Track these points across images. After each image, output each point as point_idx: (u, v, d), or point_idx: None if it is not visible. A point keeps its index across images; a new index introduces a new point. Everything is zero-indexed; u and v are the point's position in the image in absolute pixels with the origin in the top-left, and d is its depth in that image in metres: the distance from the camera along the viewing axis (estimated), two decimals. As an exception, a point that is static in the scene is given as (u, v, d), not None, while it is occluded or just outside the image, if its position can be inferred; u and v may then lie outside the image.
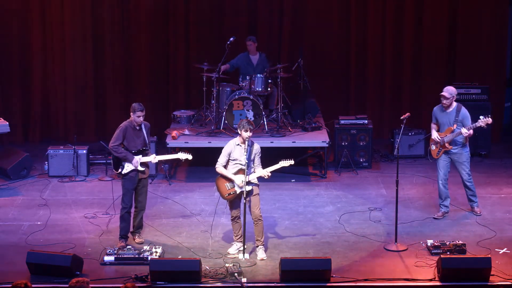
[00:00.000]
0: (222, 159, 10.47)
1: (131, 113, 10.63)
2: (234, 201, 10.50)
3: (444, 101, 11.40)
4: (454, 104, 11.47)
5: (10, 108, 15.47)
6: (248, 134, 10.30)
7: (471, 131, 11.35)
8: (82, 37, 15.41)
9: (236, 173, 10.40)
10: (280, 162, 10.44)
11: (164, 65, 15.71)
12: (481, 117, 11.33)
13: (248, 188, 10.31)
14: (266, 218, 11.26)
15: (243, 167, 10.29)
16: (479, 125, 11.33)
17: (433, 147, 11.54)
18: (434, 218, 11.65)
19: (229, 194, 10.43)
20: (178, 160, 11.05)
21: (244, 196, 10.25)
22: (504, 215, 11.91)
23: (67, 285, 7.89)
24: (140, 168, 10.66)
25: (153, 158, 10.75)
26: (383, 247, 10.75)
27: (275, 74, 14.22)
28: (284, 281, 9.73)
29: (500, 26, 15.54)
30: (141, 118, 10.64)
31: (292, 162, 10.46)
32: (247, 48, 14.61)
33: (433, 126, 11.64)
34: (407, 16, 15.49)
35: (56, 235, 11.14)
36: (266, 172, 10.37)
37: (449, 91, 11.42)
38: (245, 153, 10.30)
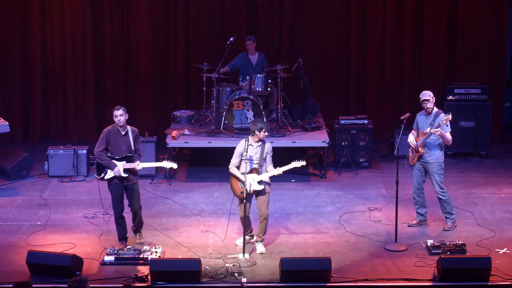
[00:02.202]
0: (234, 160, 10.52)
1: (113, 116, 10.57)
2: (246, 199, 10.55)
3: (428, 105, 10.99)
4: (435, 109, 11.06)
5: (10, 108, 15.48)
6: (266, 134, 10.39)
7: (440, 130, 10.71)
8: (82, 37, 15.42)
9: (248, 173, 10.43)
10: (292, 163, 10.48)
11: (164, 65, 15.71)
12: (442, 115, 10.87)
13: (260, 187, 10.37)
14: (266, 218, 11.28)
15: (256, 166, 10.37)
16: (442, 123, 10.74)
17: (410, 153, 11.19)
18: (409, 225, 11.39)
19: (242, 192, 10.47)
20: (174, 162, 10.93)
21: (245, 196, 10.26)
22: (504, 215, 11.91)
23: (67, 285, 7.88)
24: (123, 175, 10.58)
25: (137, 165, 10.55)
26: (383, 247, 10.74)
27: (275, 74, 14.22)
28: (284, 281, 9.73)
29: (500, 26, 15.54)
30: (118, 118, 10.43)
31: (304, 163, 10.50)
32: (246, 48, 14.61)
33: (412, 131, 11.21)
34: (407, 16, 15.49)
35: (56, 235, 11.14)
36: (278, 171, 10.41)
37: (427, 93, 11.00)
38: (246, 153, 10.33)
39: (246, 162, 10.38)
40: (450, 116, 10.75)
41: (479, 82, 14.89)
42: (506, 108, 16.04)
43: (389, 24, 15.53)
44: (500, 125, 15.79)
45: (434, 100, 11.07)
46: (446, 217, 11.31)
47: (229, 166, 10.54)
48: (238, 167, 10.50)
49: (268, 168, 10.49)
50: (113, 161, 10.48)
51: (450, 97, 14.71)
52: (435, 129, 10.77)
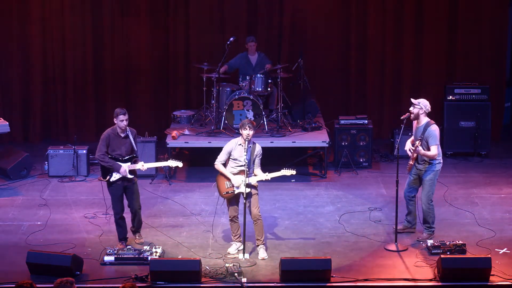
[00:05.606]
0: (221, 157, 10.50)
1: (114, 118, 10.50)
2: (232, 200, 10.52)
3: (411, 108, 10.77)
4: (426, 119, 10.77)
5: (10, 108, 15.47)
6: (247, 132, 10.29)
7: (419, 149, 10.56)
8: (82, 37, 15.41)
9: (236, 174, 10.40)
10: (282, 170, 10.45)
11: (164, 65, 15.71)
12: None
13: (247, 190, 10.30)
14: (266, 218, 11.26)
15: (244, 168, 10.29)
16: (415, 151, 10.61)
17: (410, 160, 10.92)
18: (394, 229, 11.14)
19: (227, 192, 10.45)
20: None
21: (244, 197, 10.25)
22: (504, 215, 11.91)
23: (53, 286, 7.87)
24: (129, 176, 10.57)
25: (141, 166, 10.55)
26: (383, 247, 10.74)
27: (275, 74, 14.22)
28: (284, 281, 9.73)
29: (500, 26, 15.53)
30: (124, 122, 10.44)
31: (294, 172, 10.48)
32: (246, 48, 14.61)
33: (412, 138, 10.98)
34: (407, 16, 15.48)
35: (56, 235, 11.14)
36: (267, 177, 10.37)
37: (417, 100, 10.73)
38: (245, 153, 10.31)
39: (234, 162, 10.38)
40: (418, 144, 10.52)
41: (479, 82, 14.89)
42: (506, 108, 16.05)
43: (389, 24, 15.52)
44: (500, 125, 15.78)
45: (423, 111, 10.74)
46: (424, 228, 11.04)
47: (215, 163, 10.51)
48: (224, 165, 10.48)
49: (256, 171, 10.45)
50: (117, 162, 10.49)
51: (450, 97, 14.71)
52: (414, 148, 10.61)
